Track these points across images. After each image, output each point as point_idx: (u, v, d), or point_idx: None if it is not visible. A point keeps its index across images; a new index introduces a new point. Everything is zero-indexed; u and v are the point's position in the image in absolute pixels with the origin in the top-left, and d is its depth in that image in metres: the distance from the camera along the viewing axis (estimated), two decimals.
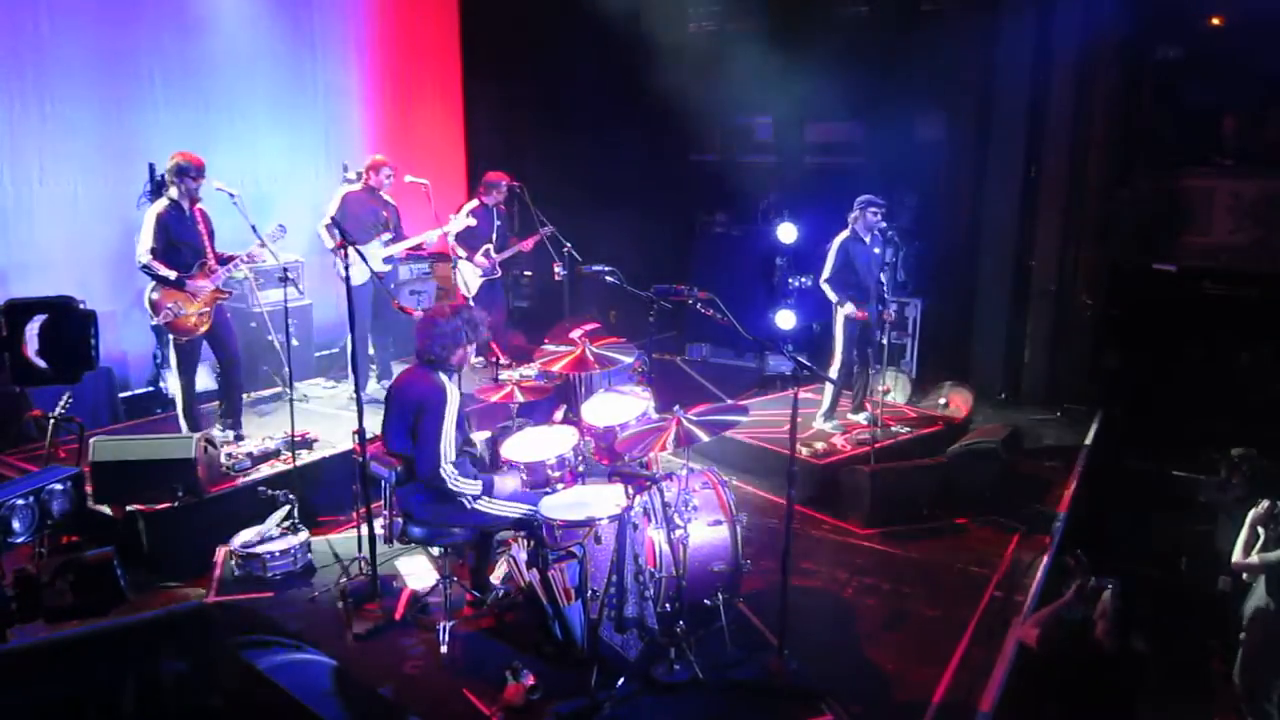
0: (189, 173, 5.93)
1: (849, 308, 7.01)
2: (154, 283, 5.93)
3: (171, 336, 6.12)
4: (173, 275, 5.90)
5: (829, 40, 9.46)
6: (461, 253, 7.87)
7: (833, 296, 7.08)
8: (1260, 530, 4.54)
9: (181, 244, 5.98)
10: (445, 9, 10.03)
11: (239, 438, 6.40)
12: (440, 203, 7.53)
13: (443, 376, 4.47)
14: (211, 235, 6.14)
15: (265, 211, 7.03)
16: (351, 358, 5.26)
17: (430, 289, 8.87)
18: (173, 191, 5.98)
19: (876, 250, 7.25)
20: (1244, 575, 4.58)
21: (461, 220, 7.63)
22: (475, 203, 8.00)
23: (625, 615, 4.46)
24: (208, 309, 6.08)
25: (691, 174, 10.42)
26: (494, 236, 8.07)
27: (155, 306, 5.94)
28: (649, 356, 5.56)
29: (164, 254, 5.91)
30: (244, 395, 6.83)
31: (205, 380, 7.10)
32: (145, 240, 5.88)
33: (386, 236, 7.21)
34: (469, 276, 7.84)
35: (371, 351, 7.63)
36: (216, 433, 6.28)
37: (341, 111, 9.00)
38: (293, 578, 5.26)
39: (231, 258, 6.14)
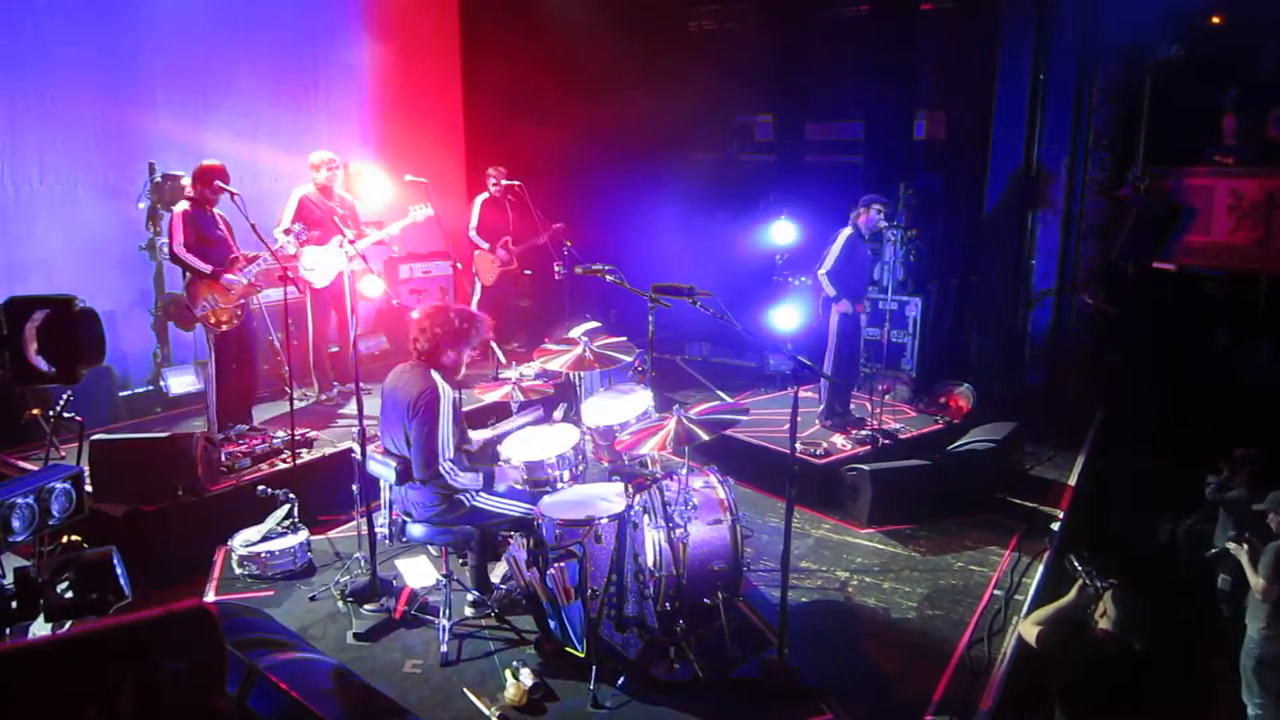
0: (214, 178, 6.03)
1: (845, 304, 7.02)
2: (190, 275, 6.08)
3: (207, 332, 6.23)
4: (208, 268, 6.05)
5: (829, 40, 9.45)
6: (483, 244, 8.34)
7: (831, 290, 7.08)
8: (1250, 569, 4.59)
9: (211, 240, 6.13)
10: (445, 7, 10.02)
11: (252, 430, 6.43)
12: (441, 202, 7.51)
13: (435, 374, 4.42)
14: (232, 233, 6.26)
15: (266, 211, 7.01)
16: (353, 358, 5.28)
17: (433, 288, 8.90)
18: (192, 193, 6.15)
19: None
20: (1259, 598, 4.57)
21: (475, 215, 7.82)
22: (485, 195, 8.45)
23: (625, 614, 4.47)
24: (242, 302, 6.18)
25: (691, 173, 10.41)
26: (510, 229, 8.33)
27: (193, 296, 6.07)
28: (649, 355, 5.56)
29: (196, 249, 6.06)
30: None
31: (192, 379, 7.14)
32: (177, 235, 6.04)
33: (350, 233, 7.21)
34: (485, 269, 8.14)
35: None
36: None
37: (342, 110, 8.99)
38: (293, 577, 5.27)
39: (255, 256, 6.22)
